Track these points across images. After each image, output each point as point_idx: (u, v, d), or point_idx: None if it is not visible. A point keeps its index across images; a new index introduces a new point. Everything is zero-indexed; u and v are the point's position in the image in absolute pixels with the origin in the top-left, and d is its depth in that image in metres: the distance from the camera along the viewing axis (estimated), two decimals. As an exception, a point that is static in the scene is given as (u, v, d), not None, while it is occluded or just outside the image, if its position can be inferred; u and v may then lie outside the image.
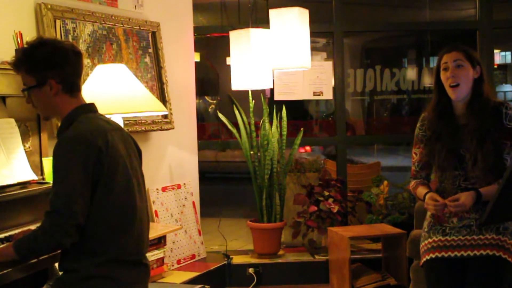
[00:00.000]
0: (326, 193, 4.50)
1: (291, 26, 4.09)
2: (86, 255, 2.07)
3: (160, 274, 3.74)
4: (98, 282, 2.06)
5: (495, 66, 11.37)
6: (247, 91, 4.50)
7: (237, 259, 4.44)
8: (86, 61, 3.51)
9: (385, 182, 4.85)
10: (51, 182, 2.11)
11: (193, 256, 4.31)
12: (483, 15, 5.04)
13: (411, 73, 5.97)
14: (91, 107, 2.24)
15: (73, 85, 2.17)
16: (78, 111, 2.17)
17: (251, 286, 4.29)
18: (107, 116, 3.02)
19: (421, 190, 2.76)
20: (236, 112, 4.55)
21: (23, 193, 2.54)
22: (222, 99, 9.98)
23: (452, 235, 2.64)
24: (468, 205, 2.57)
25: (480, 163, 2.60)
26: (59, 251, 2.16)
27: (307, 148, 8.23)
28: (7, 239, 2.36)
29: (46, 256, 2.30)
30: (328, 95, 4.96)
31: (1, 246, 2.21)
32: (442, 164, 2.69)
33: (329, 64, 4.98)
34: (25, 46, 2.17)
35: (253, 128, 4.51)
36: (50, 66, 2.12)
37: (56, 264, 2.52)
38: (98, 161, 2.04)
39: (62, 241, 2.00)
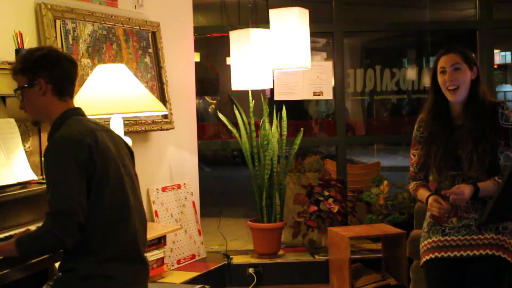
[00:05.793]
0: (326, 193, 4.50)
1: (291, 26, 4.09)
2: (85, 254, 2.08)
3: (160, 274, 3.74)
4: (98, 282, 2.06)
5: (495, 66, 11.36)
6: (247, 91, 4.50)
7: (237, 259, 4.44)
8: (86, 61, 3.51)
9: (385, 182, 4.85)
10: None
11: (193, 256, 4.31)
12: (483, 15, 5.04)
13: (411, 73, 5.96)
14: (79, 111, 2.28)
15: (63, 89, 2.22)
16: (67, 114, 2.21)
17: (251, 286, 4.29)
18: (107, 116, 3.05)
19: (423, 192, 2.75)
20: (236, 112, 4.55)
21: (23, 193, 2.54)
22: (222, 99, 9.99)
23: (452, 235, 2.65)
24: (466, 194, 2.56)
25: (475, 164, 2.59)
26: (61, 251, 2.16)
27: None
28: (7, 239, 2.35)
29: (46, 256, 2.31)
30: (328, 95, 4.96)
31: (2, 242, 2.22)
32: (439, 165, 2.70)
33: (329, 64, 4.98)
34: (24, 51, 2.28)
35: (253, 128, 4.51)
36: (41, 66, 2.19)
37: (57, 264, 2.53)
38: (90, 158, 2.08)
39: (65, 240, 2.03)
